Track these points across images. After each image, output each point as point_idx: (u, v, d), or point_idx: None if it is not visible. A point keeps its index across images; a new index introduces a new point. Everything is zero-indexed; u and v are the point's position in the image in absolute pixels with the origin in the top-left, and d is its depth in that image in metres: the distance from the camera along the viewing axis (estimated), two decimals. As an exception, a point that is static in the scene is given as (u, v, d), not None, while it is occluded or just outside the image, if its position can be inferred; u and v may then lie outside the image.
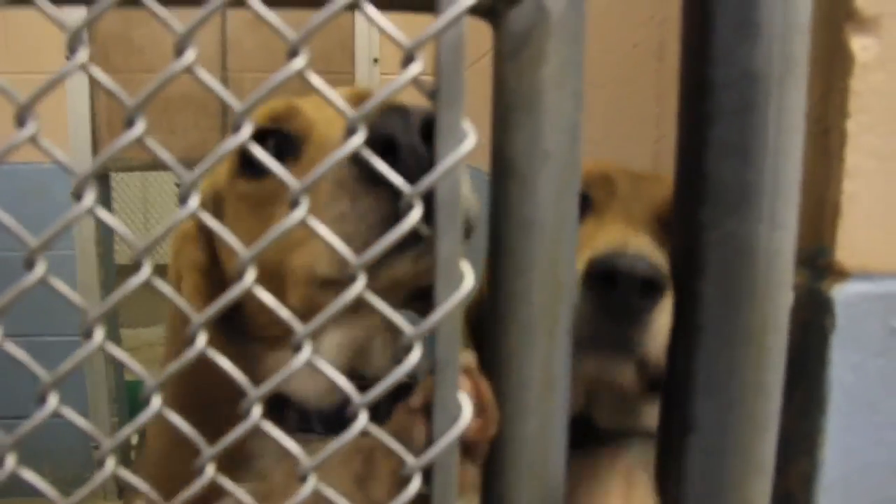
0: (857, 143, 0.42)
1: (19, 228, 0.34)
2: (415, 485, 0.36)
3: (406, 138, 0.40)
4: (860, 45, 0.42)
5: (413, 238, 0.34)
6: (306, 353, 0.34)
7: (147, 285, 0.35)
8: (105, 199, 2.07)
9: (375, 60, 2.06)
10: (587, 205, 0.51)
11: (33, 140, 0.32)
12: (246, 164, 0.53)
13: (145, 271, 0.34)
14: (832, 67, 0.42)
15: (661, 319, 0.41)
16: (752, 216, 0.38)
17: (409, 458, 0.36)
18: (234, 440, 0.35)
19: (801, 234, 0.45)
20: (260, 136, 0.54)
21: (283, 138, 0.53)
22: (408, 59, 0.34)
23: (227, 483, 0.35)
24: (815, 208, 0.44)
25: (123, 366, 2.25)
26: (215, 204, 0.57)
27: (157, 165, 1.92)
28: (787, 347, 0.45)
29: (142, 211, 4.01)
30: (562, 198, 0.37)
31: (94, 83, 1.89)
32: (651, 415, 0.53)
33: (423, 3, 0.35)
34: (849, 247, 0.43)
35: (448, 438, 0.36)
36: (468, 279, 0.35)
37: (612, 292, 0.41)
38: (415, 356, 0.35)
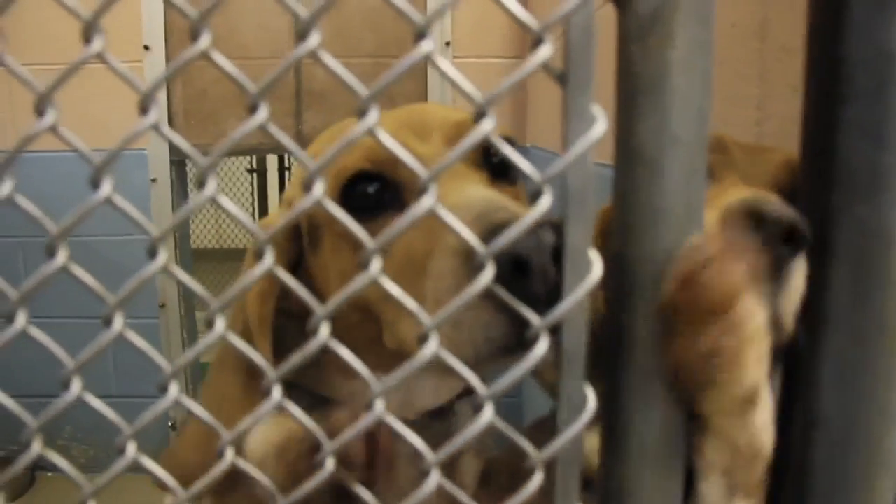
0: None
1: (138, 214, 0.33)
2: (538, 478, 0.35)
3: (538, 259, 0.39)
4: None
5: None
6: (433, 345, 0.33)
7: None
8: (182, 185, 2.11)
9: (447, 44, 2.04)
10: None
11: (155, 128, 0.32)
12: (348, 201, 0.51)
13: (268, 259, 0.34)
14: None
15: (799, 278, 0.38)
16: (886, 201, 0.36)
17: (532, 451, 0.35)
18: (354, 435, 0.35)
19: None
20: (360, 178, 0.52)
21: (386, 184, 0.51)
22: (537, 42, 0.32)
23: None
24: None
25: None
26: (310, 228, 0.56)
27: (231, 152, 1.92)
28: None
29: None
30: (690, 183, 0.35)
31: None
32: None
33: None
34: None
35: (573, 430, 0.34)
36: (597, 269, 0.34)
37: (764, 220, 0.38)
38: (542, 347, 0.34)
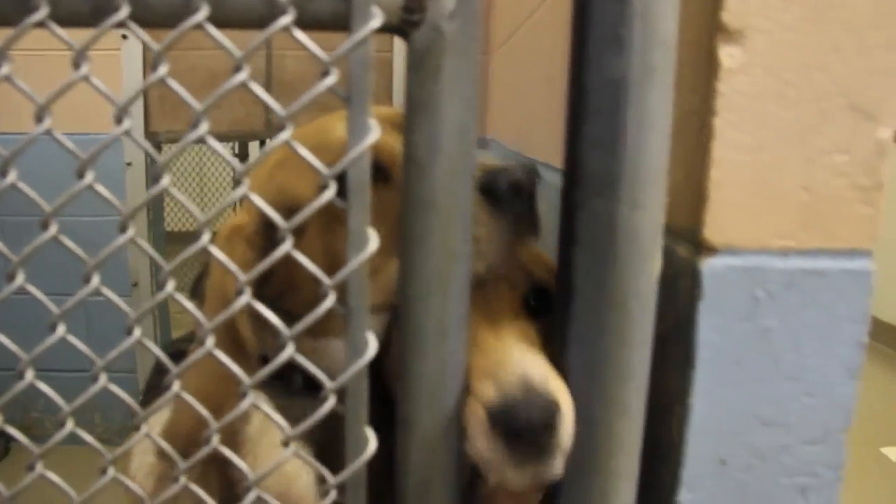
0: (723, 137, 0.51)
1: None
2: (330, 402, 0.48)
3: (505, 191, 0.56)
4: (727, 53, 0.50)
5: None
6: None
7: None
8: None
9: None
10: None
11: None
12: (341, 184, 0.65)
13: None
14: (705, 72, 0.51)
15: (566, 430, 0.50)
16: (613, 198, 0.48)
17: (327, 382, 0.48)
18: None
19: (684, 214, 0.55)
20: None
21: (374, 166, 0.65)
22: (324, 73, 0.45)
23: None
24: (692, 192, 0.53)
25: (170, 326, 2.45)
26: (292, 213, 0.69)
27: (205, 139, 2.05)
28: (664, 309, 0.55)
29: (197, 182, 4.36)
30: (453, 184, 0.47)
31: (147, 62, 2.06)
32: None
33: (338, 23, 0.46)
34: (716, 226, 0.52)
35: (357, 366, 0.47)
36: (372, 243, 0.46)
37: (517, 434, 0.50)
38: (330, 300, 0.46)
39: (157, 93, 2.06)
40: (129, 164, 2.14)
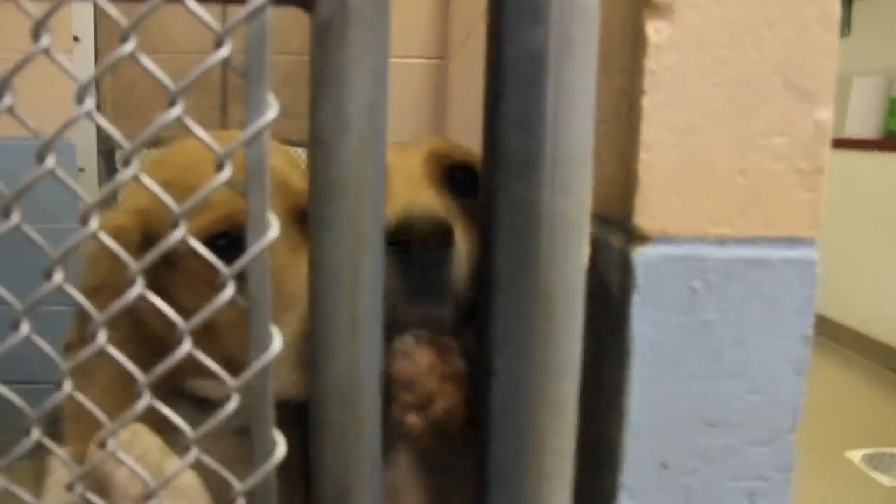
0: (652, 118, 0.49)
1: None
2: (233, 403, 0.45)
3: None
4: (654, 29, 0.48)
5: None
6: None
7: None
8: (110, 175, 2.25)
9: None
10: None
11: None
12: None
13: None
14: (633, 49, 0.50)
15: (459, 256, 0.51)
16: (534, 181, 0.46)
17: (230, 381, 0.45)
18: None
19: (616, 202, 0.53)
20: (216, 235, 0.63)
21: (234, 240, 0.63)
22: (218, 43, 0.43)
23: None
24: (623, 177, 0.51)
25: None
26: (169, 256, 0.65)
27: (157, 143, 2.05)
28: (601, 304, 0.52)
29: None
30: (363, 162, 0.45)
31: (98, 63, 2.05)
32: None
33: (236, -4, 0.44)
34: (647, 213, 0.50)
35: (261, 363, 0.44)
36: (273, 229, 0.44)
37: (412, 251, 0.50)
38: (229, 292, 0.44)
39: (111, 98, 2.05)
40: (81, 169, 2.14)
